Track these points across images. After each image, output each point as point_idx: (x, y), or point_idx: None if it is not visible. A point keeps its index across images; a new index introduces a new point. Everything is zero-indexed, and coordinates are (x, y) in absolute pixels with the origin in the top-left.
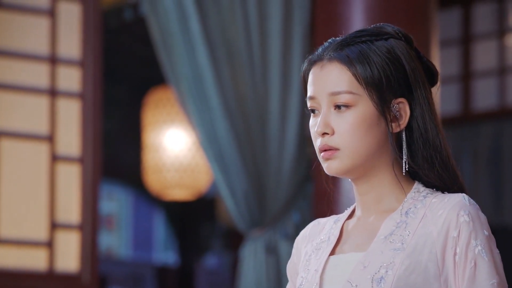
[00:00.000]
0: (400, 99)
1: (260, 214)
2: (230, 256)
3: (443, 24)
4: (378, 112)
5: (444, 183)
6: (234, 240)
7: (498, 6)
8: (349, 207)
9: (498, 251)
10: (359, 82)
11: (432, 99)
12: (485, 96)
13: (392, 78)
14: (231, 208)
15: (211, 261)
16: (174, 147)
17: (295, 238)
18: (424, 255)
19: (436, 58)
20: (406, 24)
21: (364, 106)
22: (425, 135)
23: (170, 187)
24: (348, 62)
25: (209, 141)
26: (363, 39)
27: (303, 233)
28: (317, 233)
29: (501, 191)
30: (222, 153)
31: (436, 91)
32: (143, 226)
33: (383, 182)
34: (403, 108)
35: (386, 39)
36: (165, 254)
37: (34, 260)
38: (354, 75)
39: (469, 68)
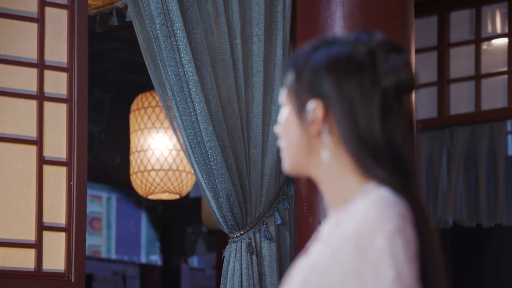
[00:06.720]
0: (315, 102)
1: (243, 215)
2: (214, 257)
3: (420, 32)
4: (295, 113)
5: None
6: (217, 241)
7: (474, 14)
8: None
9: (402, 244)
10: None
11: (360, 103)
12: (460, 101)
13: (309, 81)
14: (214, 210)
15: (194, 262)
16: (158, 150)
17: (277, 239)
18: (343, 254)
19: (412, 65)
20: (384, 31)
21: (290, 108)
22: (345, 136)
23: (154, 189)
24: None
25: (192, 145)
26: (315, 45)
27: None
28: None
29: (477, 194)
30: (205, 157)
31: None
32: (127, 227)
33: (337, 181)
34: (317, 110)
35: (331, 45)
36: (149, 255)
37: (22, 261)
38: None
39: (445, 74)
